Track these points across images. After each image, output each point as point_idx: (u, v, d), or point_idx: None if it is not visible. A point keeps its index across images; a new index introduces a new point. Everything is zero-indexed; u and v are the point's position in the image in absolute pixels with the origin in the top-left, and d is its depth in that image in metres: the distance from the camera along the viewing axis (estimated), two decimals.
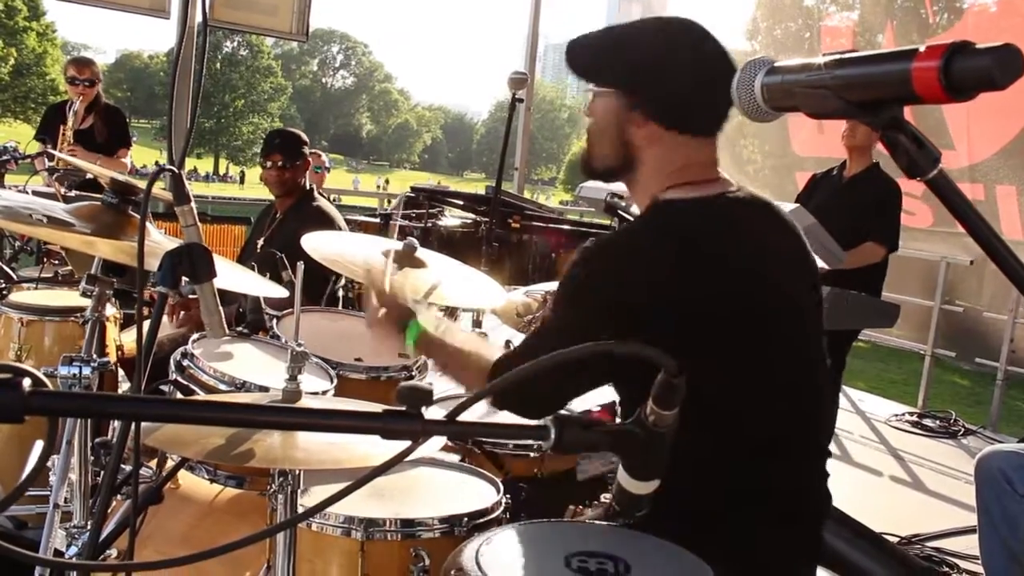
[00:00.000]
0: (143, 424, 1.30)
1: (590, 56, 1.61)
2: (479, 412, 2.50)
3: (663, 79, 1.53)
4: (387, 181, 63.84)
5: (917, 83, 0.69)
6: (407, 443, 0.77)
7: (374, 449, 1.26)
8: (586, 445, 0.74)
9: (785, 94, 0.82)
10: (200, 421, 0.92)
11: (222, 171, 68.53)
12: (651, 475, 0.86)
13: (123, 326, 3.18)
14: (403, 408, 0.72)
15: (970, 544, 3.27)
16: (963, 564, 3.58)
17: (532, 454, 2.30)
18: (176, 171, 1.32)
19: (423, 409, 0.72)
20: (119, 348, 3.06)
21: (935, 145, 0.74)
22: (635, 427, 0.80)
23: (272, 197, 3.92)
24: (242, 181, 61.69)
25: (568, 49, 1.63)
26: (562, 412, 0.78)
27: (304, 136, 3.91)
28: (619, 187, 1.81)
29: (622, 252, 1.50)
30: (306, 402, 1.46)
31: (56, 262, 3.99)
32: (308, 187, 3.87)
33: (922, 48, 0.69)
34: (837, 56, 0.77)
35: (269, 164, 3.75)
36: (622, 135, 1.56)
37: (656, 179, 1.57)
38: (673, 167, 1.56)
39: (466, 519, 1.69)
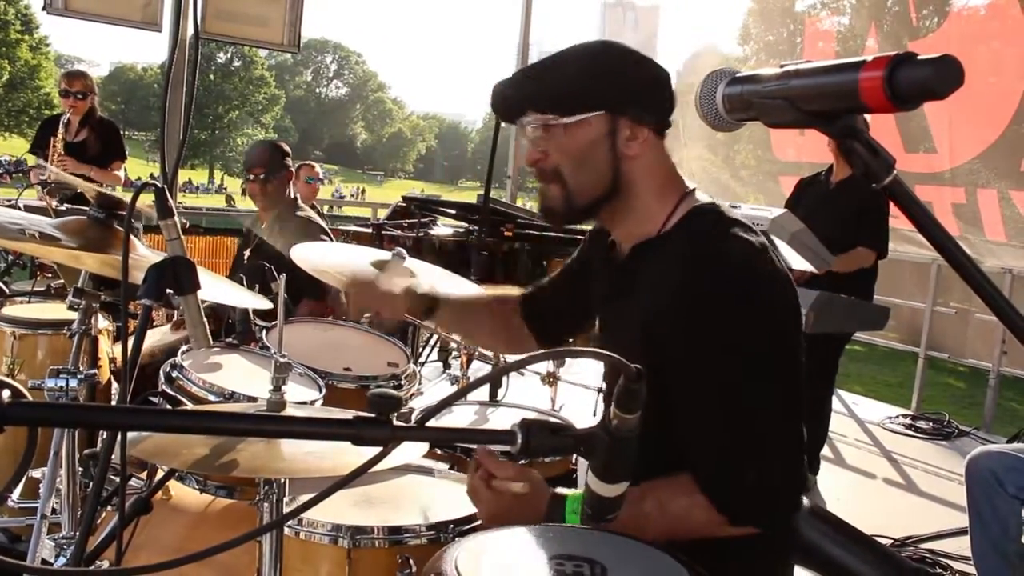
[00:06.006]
0: (129, 434, 1.31)
1: (561, 89, 1.51)
2: (462, 419, 2.52)
3: (637, 83, 1.51)
4: (363, 190, 63.83)
5: (864, 94, 0.71)
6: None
7: (356, 457, 1.28)
8: (553, 450, 0.76)
9: (745, 105, 0.84)
10: (173, 429, 0.94)
11: (217, 182, 68.56)
12: (619, 478, 0.87)
13: (116, 338, 3.20)
14: (374, 415, 0.74)
15: (963, 545, 3.28)
16: (956, 565, 3.59)
17: (522, 461, 2.31)
18: (159, 186, 1.34)
19: (393, 415, 0.74)
20: (112, 360, 3.07)
21: (889, 153, 0.76)
22: (600, 431, 0.82)
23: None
24: (244, 193, 61.62)
25: (523, 91, 1.55)
26: (529, 417, 0.80)
27: (286, 147, 3.93)
28: None
29: (771, 279, 1.43)
30: (290, 412, 1.48)
31: (49, 275, 4.01)
32: (292, 197, 3.88)
33: (869, 59, 0.71)
34: (792, 67, 0.79)
35: (251, 177, 3.79)
36: (614, 154, 1.50)
37: (654, 192, 1.53)
38: (664, 176, 1.55)
39: (452, 526, 1.70)
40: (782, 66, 0.81)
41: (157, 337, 3.01)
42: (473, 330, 2.08)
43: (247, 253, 3.79)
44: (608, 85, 1.50)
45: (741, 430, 1.38)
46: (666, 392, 1.40)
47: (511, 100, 1.58)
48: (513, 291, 2.04)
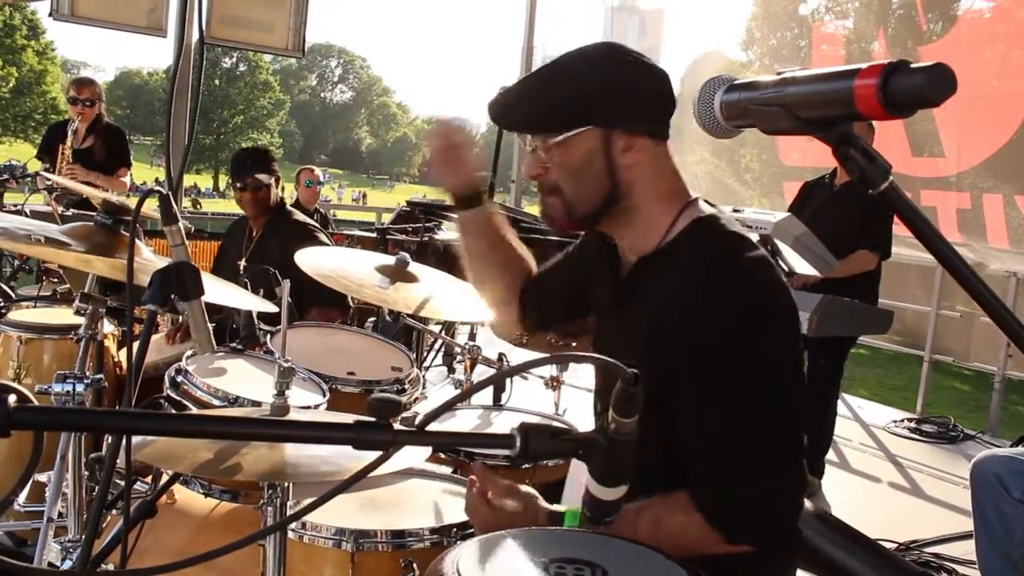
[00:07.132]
0: (134, 439, 1.32)
1: (547, 108, 1.50)
2: (466, 423, 2.53)
3: (632, 92, 1.49)
4: (364, 195, 63.93)
5: (859, 101, 0.71)
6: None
7: (359, 461, 1.28)
8: (552, 453, 0.77)
9: (742, 111, 0.85)
10: (177, 434, 0.95)
11: (222, 187, 68.67)
12: (618, 481, 0.88)
13: (120, 344, 3.21)
14: (374, 419, 0.75)
15: (968, 549, 3.28)
16: (961, 570, 3.59)
17: (524, 465, 2.31)
18: (164, 192, 1.35)
19: (393, 420, 0.75)
20: (117, 365, 3.08)
21: (886, 159, 0.77)
22: (599, 435, 0.83)
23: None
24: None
25: (513, 112, 1.56)
26: (529, 421, 0.81)
27: (270, 152, 3.90)
28: None
29: (773, 292, 1.42)
30: (294, 416, 1.49)
31: (55, 280, 4.02)
32: (281, 201, 3.87)
33: (864, 67, 0.72)
34: (788, 75, 0.80)
35: (240, 186, 3.73)
36: (610, 164, 1.49)
37: (656, 199, 1.53)
38: (665, 182, 1.54)
39: (455, 529, 1.71)
40: (779, 73, 0.81)
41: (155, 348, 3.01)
42: (489, 275, 1.99)
43: (242, 262, 3.75)
44: (597, 99, 1.48)
45: (740, 448, 1.37)
46: (667, 405, 1.40)
47: (504, 122, 1.60)
48: (533, 265, 2.01)
